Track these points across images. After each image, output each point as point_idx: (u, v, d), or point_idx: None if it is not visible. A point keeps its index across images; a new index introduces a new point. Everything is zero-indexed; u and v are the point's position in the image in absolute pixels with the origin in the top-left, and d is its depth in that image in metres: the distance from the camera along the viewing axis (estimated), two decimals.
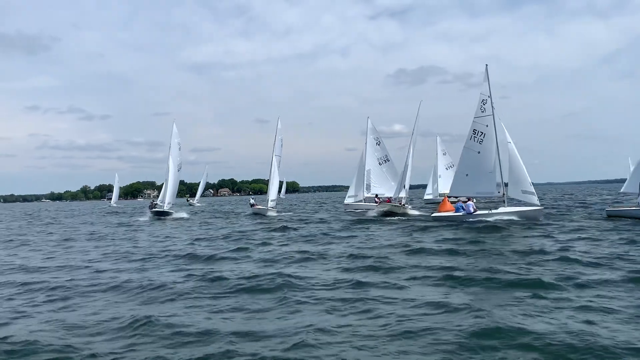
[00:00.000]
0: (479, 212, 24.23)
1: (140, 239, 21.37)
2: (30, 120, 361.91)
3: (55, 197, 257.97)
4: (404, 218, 27.86)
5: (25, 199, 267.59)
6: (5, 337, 7.00)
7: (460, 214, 24.52)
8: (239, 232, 23.07)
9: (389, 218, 28.46)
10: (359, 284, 9.88)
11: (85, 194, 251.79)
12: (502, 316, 7.28)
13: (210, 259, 14.13)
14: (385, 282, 10.05)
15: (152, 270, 12.58)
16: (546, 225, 21.18)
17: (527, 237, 17.59)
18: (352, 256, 13.77)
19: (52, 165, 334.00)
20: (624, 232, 17.56)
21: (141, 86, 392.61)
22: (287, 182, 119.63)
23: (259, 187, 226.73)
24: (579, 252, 13.28)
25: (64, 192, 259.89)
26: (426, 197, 50.81)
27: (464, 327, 6.82)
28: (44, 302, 9.38)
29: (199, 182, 79.71)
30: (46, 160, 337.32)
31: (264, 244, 17.79)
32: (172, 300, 9.09)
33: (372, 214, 31.74)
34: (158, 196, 42.57)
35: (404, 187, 30.90)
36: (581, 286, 9.09)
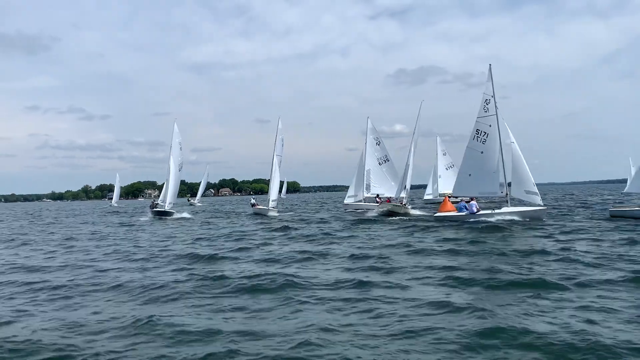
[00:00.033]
0: (482, 212, 24.18)
1: (141, 238, 21.38)
2: (30, 120, 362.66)
3: (56, 196, 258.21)
4: (405, 218, 27.84)
5: (26, 198, 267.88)
6: (8, 336, 7.02)
7: (463, 213, 24.46)
8: (240, 232, 23.08)
9: (390, 218, 28.45)
10: (361, 284, 9.88)
11: (86, 193, 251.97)
12: (504, 316, 7.28)
13: (211, 258, 14.13)
14: (387, 282, 10.05)
15: (153, 270, 12.59)
16: (548, 225, 21.17)
17: (529, 237, 17.59)
18: (353, 256, 13.78)
19: (53, 165, 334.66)
20: (626, 232, 17.54)
21: (141, 86, 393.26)
22: (287, 182, 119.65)
23: (259, 187, 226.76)
24: (581, 252, 13.27)
25: (65, 191, 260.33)
26: (426, 197, 50.81)
27: (466, 327, 6.83)
28: (45, 301, 9.39)
29: (200, 182, 79.75)
30: (47, 160, 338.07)
31: (265, 243, 17.79)
32: (173, 300, 9.09)
33: (373, 214, 31.73)
34: (159, 196, 42.58)
35: (405, 187, 30.87)
36: (583, 286, 9.08)
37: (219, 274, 11.35)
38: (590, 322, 6.90)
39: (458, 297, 8.60)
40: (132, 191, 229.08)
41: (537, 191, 23.78)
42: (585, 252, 13.27)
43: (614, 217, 23.58)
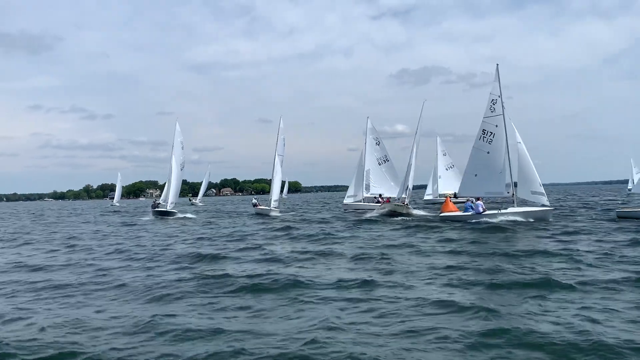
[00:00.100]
0: (487, 212, 24.11)
1: (143, 238, 21.39)
2: (32, 119, 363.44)
3: (58, 196, 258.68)
4: (408, 218, 27.80)
5: (28, 198, 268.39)
6: (11, 334, 7.03)
7: (469, 213, 24.36)
8: (242, 231, 23.07)
9: (392, 218, 28.41)
10: (364, 283, 9.88)
11: (87, 193, 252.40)
12: (508, 316, 7.28)
13: (214, 258, 14.13)
14: (391, 282, 10.05)
15: (156, 269, 12.59)
16: (552, 225, 21.12)
17: (533, 237, 17.56)
18: (356, 256, 13.76)
19: (55, 164, 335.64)
20: (631, 233, 17.50)
21: (144, 86, 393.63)
22: (289, 182, 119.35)
23: (261, 187, 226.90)
24: (586, 252, 13.24)
25: (67, 191, 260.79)
26: (426, 197, 50.82)
27: (469, 327, 6.83)
28: (48, 300, 9.40)
29: (202, 182, 79.81)
30: (49, 160, 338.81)
31: (268, 243, 17.78)
32: (176, 299, 9.09)
33: (374, 214, 31.70)
34: (160, 195, 42.61)
35: (407, 187, 30.82)
36: (587, 286, 9.06)
37: (222, 273, 11.35)
38: (593, 321, 6.90)
39: (461, 296, 8.59)
40: (134, 191, 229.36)
41: (543, 191, 23.71)
42: (590, 252, 13.24)
43: (621, 217, 23.49)
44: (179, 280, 10.82)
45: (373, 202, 38.09)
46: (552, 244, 15.36)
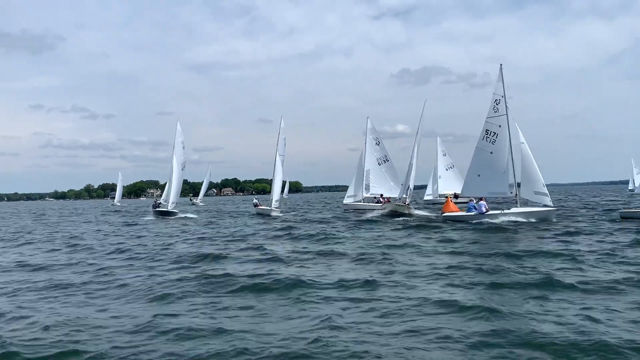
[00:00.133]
0: (491, 212, 24.06)
1: (144, 238, 21.41)
2: (34, 119, 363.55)
3: (59, 195, 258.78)
4: (409, 218, 27.77)
5: (29, 197, 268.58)
6: (13, 334, 7.05)
7: (472, 213, 24.31)
8: (244, 231, 23.07)
9: (394, 218, 28.40)
10: (366, 283, 9.89)
11: (88, 192, 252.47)
12: (509, 316, 7.29)
13: (215, 258, 14.13)
14: (392, 282, 10.07)
15: (157, 269, 12.60)
16: (554, 226, 21.09)
17: (534, 237, 17.54)
18: (358, 256, 13.77)
19: (56, 164, 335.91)
20: (633, 233, 17.48)
21: (145, 86, 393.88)
22: (290, 182, 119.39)
23: (262, 187, 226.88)
24: (587, 252, 13.24)
25: (68, 190, 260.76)
26: (426, 197, 50.86)
27: (470, 326, 6.85)
28: (49, 299, 9.42)
29: (202, 182, 79.80)
30: (50, 159, 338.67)
31: (269, 243, 17.79)
32: (177, 299, 9.09)
33: (376, 214, 31.67)
34: (161, 195, 42.61)
35: (409, 187, 30.79)
36: (588, 287, 9.06)
37: (223, 273, 11.35)
38: (595, 322, 6.91)
39: (463, 296, 8.60)
40: (135, 190, 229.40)
41: (546, 192, 23.65)
42: (592, 252, 13.24)
43: (624, 218, 23.46)
44: (181, 279, 10.83)
45: (373, 202, 38.13)
46: (554, 244, 15.36)
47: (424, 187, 54.12)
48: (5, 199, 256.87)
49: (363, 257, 13.54)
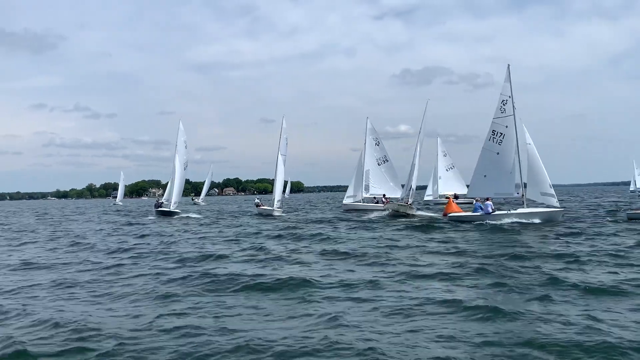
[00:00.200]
0: (497, 212, 24.00)
1: (147, 237, 21.46)
2: (36, 118, 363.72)
3: (61, 194, 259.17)
4: (414, 219, 27.72)
5: (31, 196, 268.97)
6: (21, 333, 7.09)
7: (478, 214, 24.23)
8: (245, 231, 23.10)
9: (396, 219, 28.40)
10: (369, 283, 9.91)
11: (90, 192, 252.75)
12: (512, 316, 7.30)
13: (217, 258, 14.17)
14: (395, 281, 10.08)
15: (160, 268, 12.63)
16: (560, 226, 21.06)
17: (539, 238, 17.54)
18: (360, 256, 13.78)
19: (58, 163, 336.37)
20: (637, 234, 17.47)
21: (147, 85, 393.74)
22: (291, 182, 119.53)
23: (263, 187, 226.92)
24: (592, 253, 13.24)
25: (70, 190, 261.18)
26: (426, 198, 50.92)
27: (474, 326, 6.88)
28: (53, 298, 9.45)
29: (204, 181, 79.86)
30: (52, 158, 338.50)
31: (272, 243, 17.82)
32: (180, 298, 9.11)
33: (378, 214, 31.69)
34: (163, 195, 42.63)
35: (411, 187, 30.78)
36: (593, 287, 9.06)
37: (226, 272, 11.38)
38: (599, 322, 6.91)
39: (467, 296, 8.62)
40: (137, 190, 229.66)
41: (553, 193, 23.61)
42: (597, 253, 13.24)
43: (631, 219, 23.39)
44: (183, 279, 10.86)
45: (372, 203, 38.21)
46: (558, 244, 15.36)
47: (424, 187, 54.10)
48: (8, 197, 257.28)
49: (366, 256, 13.57)
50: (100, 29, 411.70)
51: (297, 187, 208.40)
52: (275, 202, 35.73)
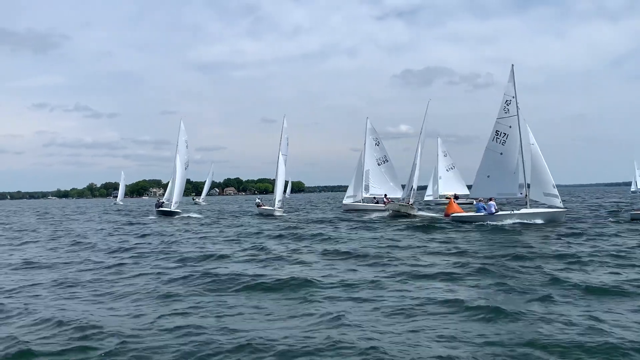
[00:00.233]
0: (500, 212, 23.96)
1: (148, 237, 21.47)
2: (37, 117, 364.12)
3: (61, 194, 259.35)
4: (416, 219, 27.71)
5: (32, 196, 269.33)
6: (22, 331, 7.10)
7: (481, 214, 24.17)
8: (246, 231, 23.11)
9: (398, 219, 28.39)
10: (370, 283, 9.92)
11: (91, 191, 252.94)
12: (513, 316, 7.31)
13: (219, 257, 14.18)
14: (397, 281, 10.09)
15: (161, 268, 12.64)
16: (562, 227, 21.04)
17: (541, 238, 17.52)
18: (361, 255, 13.79)
19: (59, 162, 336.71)
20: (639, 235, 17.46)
21: (148, 85, 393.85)
22: (292, 182, 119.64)
23: (264, 187, 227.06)
24: (594, 253, 13.23)
25: (71, 189, 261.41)
26: (426, 198, 50.93)
27: (475, 326, 6.89)
28: (56, 298, 9.46)
29: (205, 181, 79.92)
30: (53, 158, 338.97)
31: (273, 243, 17.82)
32: (181, 298, 9.11)
33: (379, 214, 31.68)
34: (164, 194, 42.65)
35: (412, 187, 30.77)
36: (595, 288, 9.05)
37: (228, 272, 11.39)
38: (601, 322, 6.92)
39: (468, 296, 8.63)
40: (137, 190, 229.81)
41: (557, 193, 23.57)
42: (600, 253, 13.23)
43: (635, 220, 23.33)
44: (185, 279, 10.87)
45: (372, 203, 38.23)
46: (560, 245, 15.35)
47: (424, 187, 54.15)
48: (9, 197, 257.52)
49: (367, 257, 13.57)
50: (103, 29, 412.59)
51: (297, 187, 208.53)
52: (276, 202, 35.71)
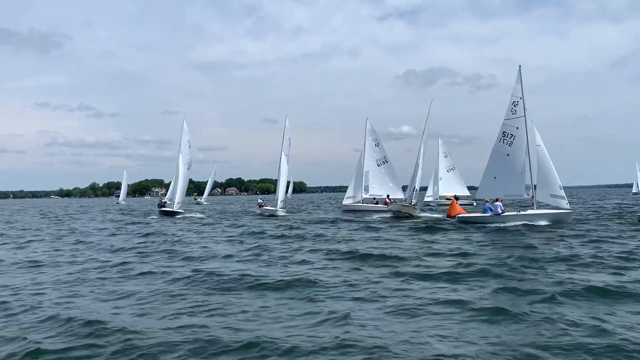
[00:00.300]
0: (507, 213, 23.91)
1: (150, 237, 21.51)
2: (40, 117, 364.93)
3: (64, 193, 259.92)
4: (419, 220, 27.69)
5: (34, 195, 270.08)
6: (28, 330, 7.14)
7: (488, 215, 24.11)
8: (249, 231, 23.13)
9: (400, 219, 28.38)
10: (375, 283, 9.94)
11: (93, 191, 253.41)
12: (518, 317, 7.32)
13: (222, 258, 14.21)
14: (401, 281, 10.11)
15: (164, 268, 12.65)
16: (568, 228, 21.00)
17: (547, 239, 17.46)
18: (365, 255, 13.80)
19: (61, 162, 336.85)
20: None
21: (151, 85, 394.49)
22: (294, 182, 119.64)
23: (266, 187, 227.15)
24: (598, 255, 13.22)
25: (73, 188, 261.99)
26: (427, 199, 50.90)
27: (479, 327, 6.92)
28: (60, 297, 9.50)
29: (207, 181, 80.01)
30: (55, 157, 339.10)
31: (276, 243, 17.85)
32: (185, 298, 9.14)
33: (382, 215, 31.65)
34: (166, 194, 42.68)
35: (415, 188, 30.75)
36: (599, 289, 9.06)
37: (229, 272, 11.42)
38: (606, 324, 6.92)
39: (473, 297, 8.64)
40: (140, 189, 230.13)
41: (563, 195, 23.51)
42: (604, 254, 13.23)
43: None
44: (188, 278, 10.90)
45: (372, 203, 38.24)
46: (564, 246, 15.33)
47: (425, 188, 54.15)
48: (11, 196, 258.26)
49: (370, 257, 13.58)
50: (104, 28, 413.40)
51: (299, 188, 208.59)
52: (279, 202, 35.69)
